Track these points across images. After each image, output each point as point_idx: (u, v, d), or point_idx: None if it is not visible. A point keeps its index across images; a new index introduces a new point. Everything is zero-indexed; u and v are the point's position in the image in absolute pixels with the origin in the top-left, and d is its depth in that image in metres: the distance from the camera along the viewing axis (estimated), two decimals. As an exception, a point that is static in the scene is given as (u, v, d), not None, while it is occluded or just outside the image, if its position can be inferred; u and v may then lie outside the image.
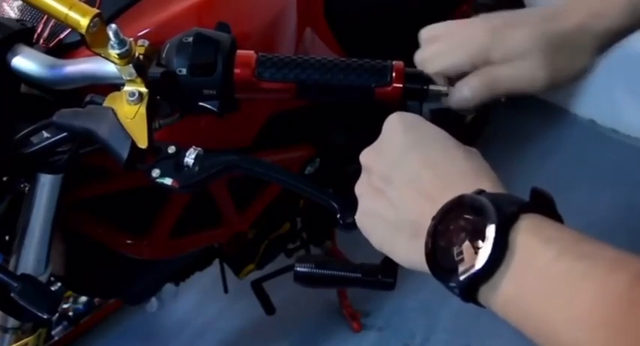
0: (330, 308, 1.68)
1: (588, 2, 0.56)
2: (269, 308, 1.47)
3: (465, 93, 0.56)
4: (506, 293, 0.37)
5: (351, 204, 0.54)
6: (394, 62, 0.58)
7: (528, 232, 0.37)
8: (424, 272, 0.43)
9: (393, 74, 0.57)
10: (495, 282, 0.37)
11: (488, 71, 0.56)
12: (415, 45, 0.61)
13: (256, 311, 1.47)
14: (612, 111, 2.06)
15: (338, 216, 0.56)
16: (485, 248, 0.37)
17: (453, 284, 0.38)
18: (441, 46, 0.58)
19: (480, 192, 0.40)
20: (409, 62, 0.60)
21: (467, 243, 0.38)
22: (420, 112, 0.57)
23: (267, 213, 1.19)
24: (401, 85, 0.57)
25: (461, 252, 0.38)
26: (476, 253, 0.37)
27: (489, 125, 1.91)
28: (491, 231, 0.37)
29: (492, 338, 1.56)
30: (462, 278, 0.38)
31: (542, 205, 0.39)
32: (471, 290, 0.38)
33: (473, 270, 0.37)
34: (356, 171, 0.51)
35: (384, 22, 1.18)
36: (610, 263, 0.34)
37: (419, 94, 0.57)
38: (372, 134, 0.57)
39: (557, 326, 0.34)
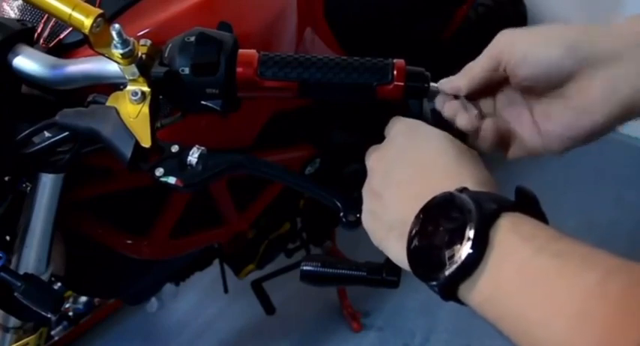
0: (330, 308, 1.68)
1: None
2: (269, 308, 1.47)
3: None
4: (484, 291, 0.36)
5: (354, 202, 0.55)
6: (395, 60, 0.57)
7: (507, 230, 0.37)
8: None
9: (395, 72, 0.57)
10: (474, 280, 0.36)
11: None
12: (414, 44, 0.61)
13: (256, 311, 1.47)
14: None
15: (341, 213, 0.56)
16: (465, 246, 0.36)
17: (433, 283, 0.38)
18: None
19: (462, 189, 0.40)
20: (409, 61, 0.60)
21: (447, 241, 0.38)
22: (420, 110, 0.58)
23: (267, 213, 1.19)
24: (402, 83, 0.57)
25: (441, 251, 0.38)
26: (456, 251, 0.37)
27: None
28: (471, 228, 0.36)
29: (492, 338, 1.55)
30: (441, 277, 0.37)
31: (526, 204, 0.39)
32: (450, 288, 0.38)
33: (452, 269, 0.37)
34: (356, 171, 0.51)
35: (384, 22, 1.18)
36: (583, 260, 0.34)
37: (420, 92, 0.57)
38: (371, 134, 0.57)
39: (532, 322, 0.34)
